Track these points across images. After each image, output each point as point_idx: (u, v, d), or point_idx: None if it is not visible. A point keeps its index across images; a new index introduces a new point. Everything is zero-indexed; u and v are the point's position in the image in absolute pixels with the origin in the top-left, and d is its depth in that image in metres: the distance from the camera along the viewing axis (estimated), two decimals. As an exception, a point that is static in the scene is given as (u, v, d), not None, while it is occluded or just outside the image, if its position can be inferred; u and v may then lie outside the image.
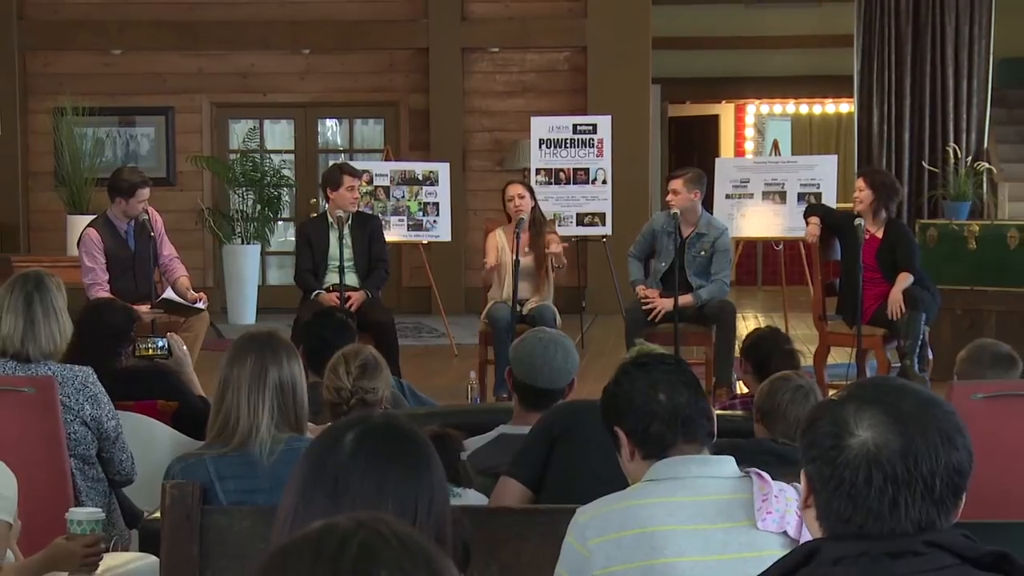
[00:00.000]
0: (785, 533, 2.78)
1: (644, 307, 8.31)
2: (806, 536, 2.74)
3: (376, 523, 1.49)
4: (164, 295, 8.29)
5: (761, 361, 5.49)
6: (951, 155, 11.87)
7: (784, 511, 2.78)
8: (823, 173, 11.06)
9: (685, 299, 8.24)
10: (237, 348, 3.68)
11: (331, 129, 14.94)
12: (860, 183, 8.44)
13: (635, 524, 2.79)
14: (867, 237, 8.20)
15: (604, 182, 11.24)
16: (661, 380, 3.02)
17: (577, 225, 11.22)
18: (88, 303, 6.13)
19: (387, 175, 11.48)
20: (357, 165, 9.87)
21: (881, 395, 1.88)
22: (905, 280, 8.14)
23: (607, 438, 3.10)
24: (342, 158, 13.29)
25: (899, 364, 8.13)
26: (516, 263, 8.43)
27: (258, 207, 13.23)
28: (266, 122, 14.60)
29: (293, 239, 12.04)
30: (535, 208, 8.74)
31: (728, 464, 2.93)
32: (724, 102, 18.75)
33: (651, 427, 2.97)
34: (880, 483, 1.83)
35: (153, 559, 3.81)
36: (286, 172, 13.98)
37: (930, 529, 1.83)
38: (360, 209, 9.19)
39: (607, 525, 2.80)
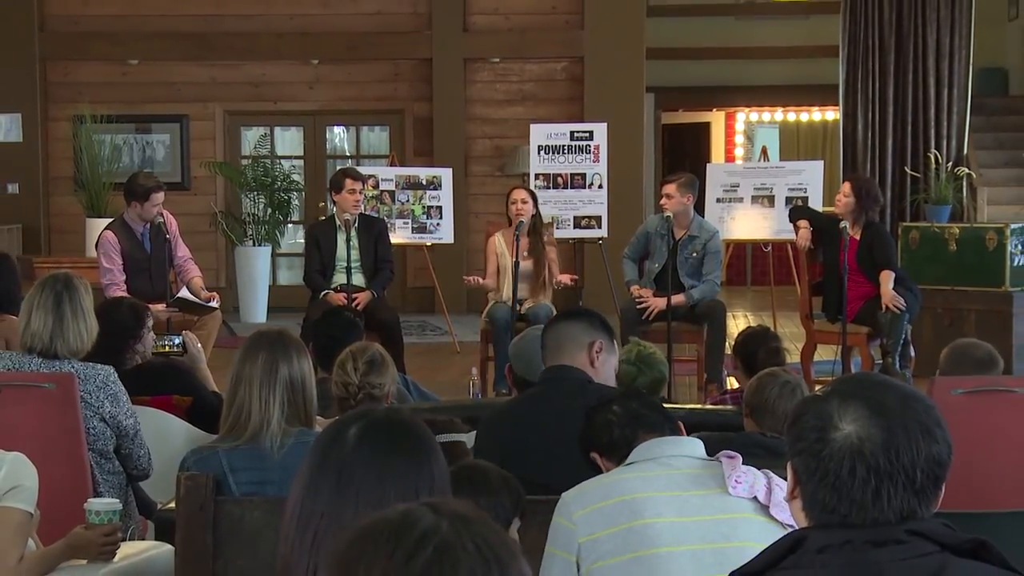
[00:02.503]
0: (755, 499, 2.83)
1: (638, 306, 8.32)
2: (775, 502, 2.79)
3: (457, 521, 1.45)
4: (179, 294, 8.29)
5: (748, 358, 5.54)
6: (932, 161, 11.87)
7: (753, 482, 2.85)
8: (810, 178, 11.07)
9: (677, 299, 8.24)
10: (249, 346, 3.69)
11: (339, 136, 14.94)
12: (846, 188, 8.45)
13: (616, 494, 2.87)
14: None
15: (600, 186, 11.24)
16: (615, 400, 3.24)
17: (574, 228, 11.23)
18: (100, 304, 6.11)
19: (392, 180, 11.49)
20: (363, 171, 9.90)
21: (864, 390, 1.88)
22: (889, 278, 8.14)
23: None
24: (349, 164, 13.30)
25: (881, 361, 8.14)
26: (516, 265, 8.43)
27: (269, 210, 13.23)
28: (276, 129, 14.61)
29: (302, 241, 12.03)
30: (536, 215, 8.72)
31: (697, 445, 3.04)
32: (715, 110, 18.74)
33: (613, 433, 3.14)
34: (863, 474, 1.83)
35: (168, 548, 3.81)
36: (296, 177, 13.98)
37: (911, 518, 1.83)
38: (366, 212, 9.19)
39: (590, 498, 2.89)
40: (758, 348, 5.53)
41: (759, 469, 2.94)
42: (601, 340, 3.98)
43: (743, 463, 2.95)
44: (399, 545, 1.42)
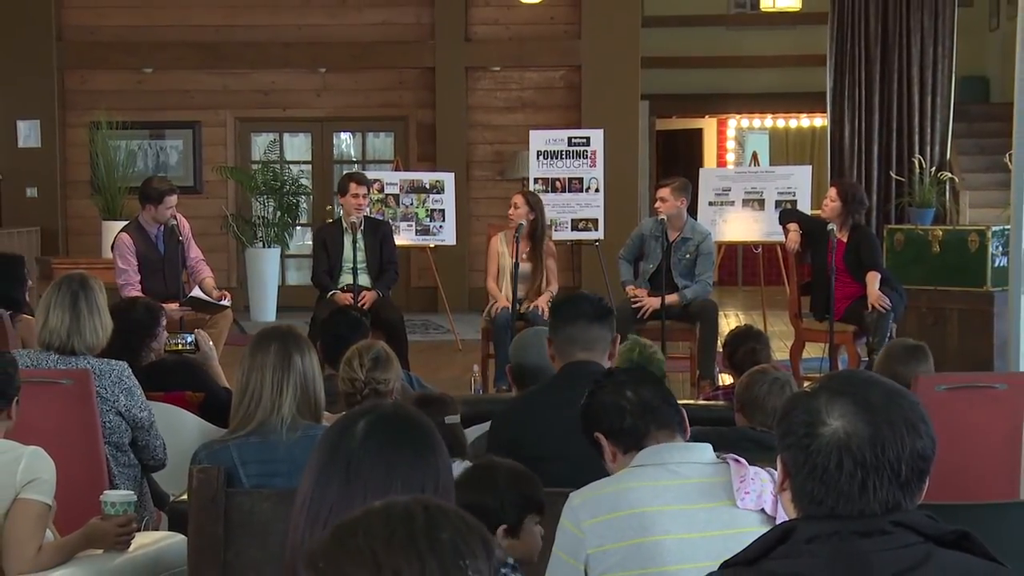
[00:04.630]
0: (763, 511, 2.79)
1: (633, 305, 8.31)
2: (781, 513, 2.76)
3: (431, 499, 1.53)
4: (191, 294, 8.29)
5: (731, 356, 5.70)
6: (916, 165, 11.87)
7: (760, 491, 2.80)
8: (798, 182, 11.07)
9: (671, 298, 8.24)
10: (259, 340, 3.65)
11: (345, 142, 14.94)
12: (832, 192, 8.44)
13: (625, 506, 2.80)
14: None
15: (597, 190, 11.24)
16: (626, 382, 3.09)
17: (572, 230, 11.23)
18: (115, 302, 6.12)
19: (397, 184, 11.49)
20: (369, 175, 9.89)
21: (850, 387, 1.88)
22: (875, 278, 8.14)
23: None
24: (355, 169, 13.30)
25: (867, 359, 8.14)
26: (515, 266, 8.43)
27: (278, 213, 13.24)
28: (285, 135, 14.60)
29: (310, 243, 12.03)
30: (536, 220, 8.66)
31: (706, 451, 2.95)
32: (707, 117, 18.74)
33: (624, 422, 3.02)
34: (851, 468, 1.82)
35: (181, 538, 3.81)
36: (304, 181, 14.00)
37: (896, 510, 1.83)
38: (372, 215, 9.19)
39: (599, 508, 2.81)
40: (738, 348, 5.66)
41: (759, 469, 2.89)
42: (616, 333, 4.03)
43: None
44: (391, 515, 1.48)
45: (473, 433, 4.27)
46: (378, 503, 1.51)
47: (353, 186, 8.61)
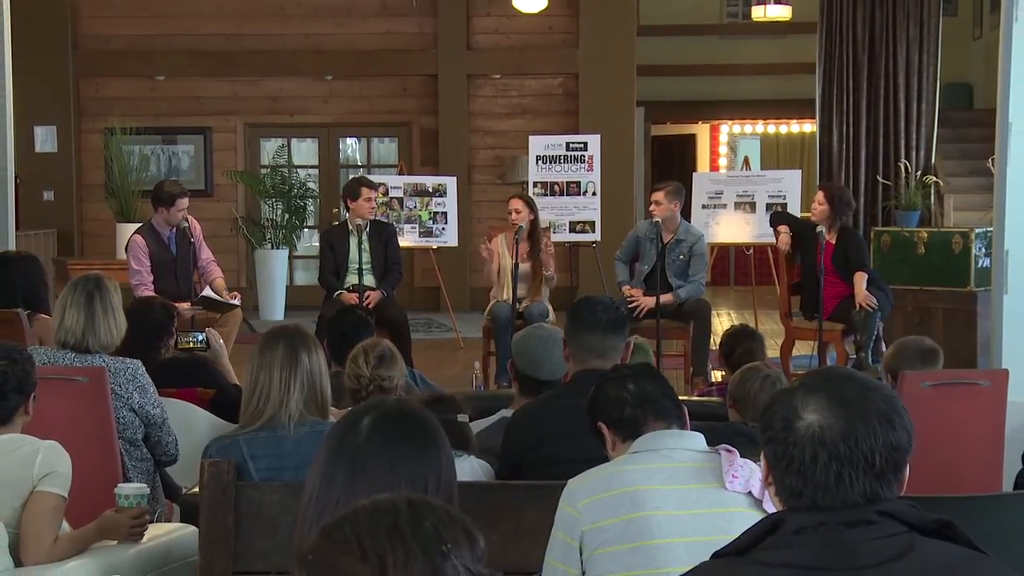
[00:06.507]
0: (750, 493, 2.82)
1: (629, 305, 8.32)
2: (767, 497, 2.77)
3: (416, 496, 1.56)
4: (203, 294, 8.30)
5: (727, 355, 5.70)
6: (902, 170, 11.88)
7: (748, 476, 2.83)
8: (788, 186, 11.08)
9: (666, 298, 8.24)
10: (268, 338, 3.65)
11: (351, 147, 14.94)
12: (820, 196, 8.45)
13: (619, 485, 2.83)
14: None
15: (594, 194, 11.24)
16: (629, 376, 3.15)
17: (570, 232, 11.24)
18: (133, 302, 6.12)
19: (401, 188, 11.50)
20: (374, 179, 9.89)
21: (826, 383, 1.89)
22: (862, 278, 8.15)
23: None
24: (361, 173, 13.30)
25: (855, 356, 8.15)
26: (516, 267, 8.43)
27: (286, 216, 13.25)
28: (293, 140, 14.60)
29: (317, 244, 12.04)
30: (534, 221, 8.68)
31: (698, 439, 2.99)
32: (701, 122, 18.74)
33: (624, 412, 3.06)
34: (825, 460, 1.83)
35: (192, 529, 3.81)
36: (311, 185, 14.00)
37: (876, 500, 1.83)
38: (377, 217, 9.20)
39: (594, 488, 2.85)
40: (735, 347, 5.66)
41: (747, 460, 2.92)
42: (630, 338, 4.08)
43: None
44: (378, 508, 1.51)
45: (475, 428, 4.27)
46: (364, 501, 1.54)
47: (364, 190, 8.61)
